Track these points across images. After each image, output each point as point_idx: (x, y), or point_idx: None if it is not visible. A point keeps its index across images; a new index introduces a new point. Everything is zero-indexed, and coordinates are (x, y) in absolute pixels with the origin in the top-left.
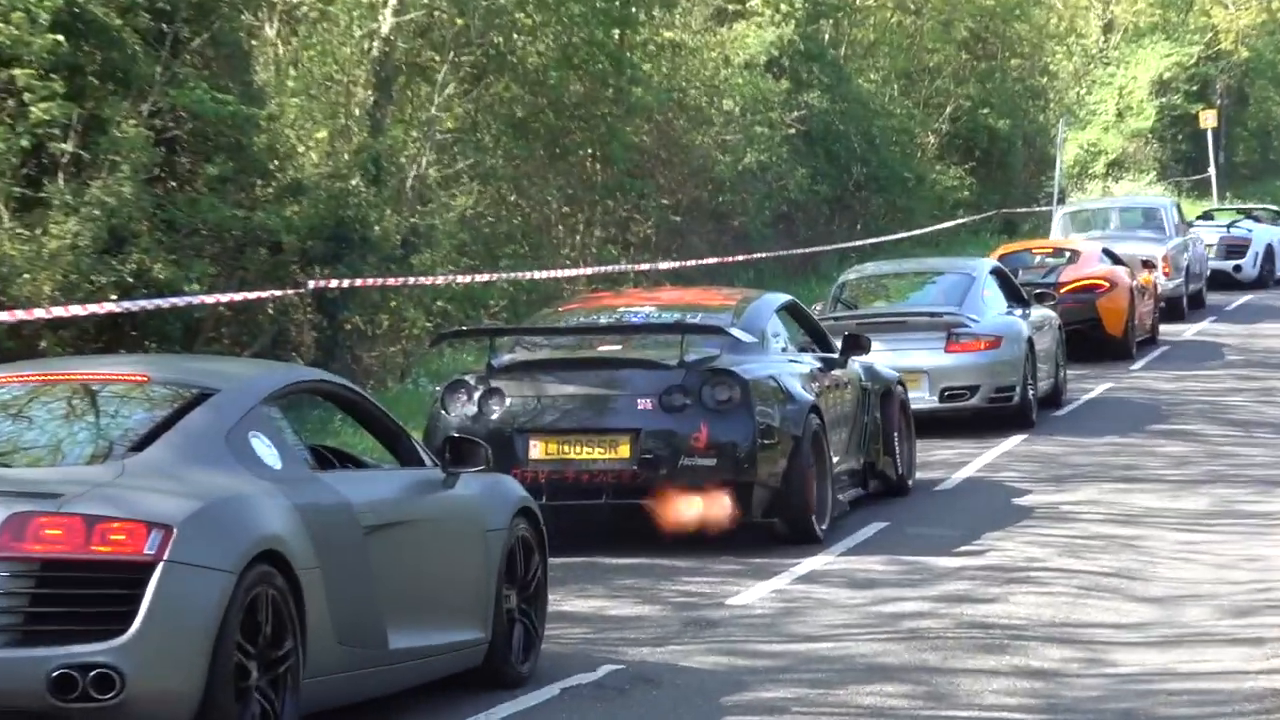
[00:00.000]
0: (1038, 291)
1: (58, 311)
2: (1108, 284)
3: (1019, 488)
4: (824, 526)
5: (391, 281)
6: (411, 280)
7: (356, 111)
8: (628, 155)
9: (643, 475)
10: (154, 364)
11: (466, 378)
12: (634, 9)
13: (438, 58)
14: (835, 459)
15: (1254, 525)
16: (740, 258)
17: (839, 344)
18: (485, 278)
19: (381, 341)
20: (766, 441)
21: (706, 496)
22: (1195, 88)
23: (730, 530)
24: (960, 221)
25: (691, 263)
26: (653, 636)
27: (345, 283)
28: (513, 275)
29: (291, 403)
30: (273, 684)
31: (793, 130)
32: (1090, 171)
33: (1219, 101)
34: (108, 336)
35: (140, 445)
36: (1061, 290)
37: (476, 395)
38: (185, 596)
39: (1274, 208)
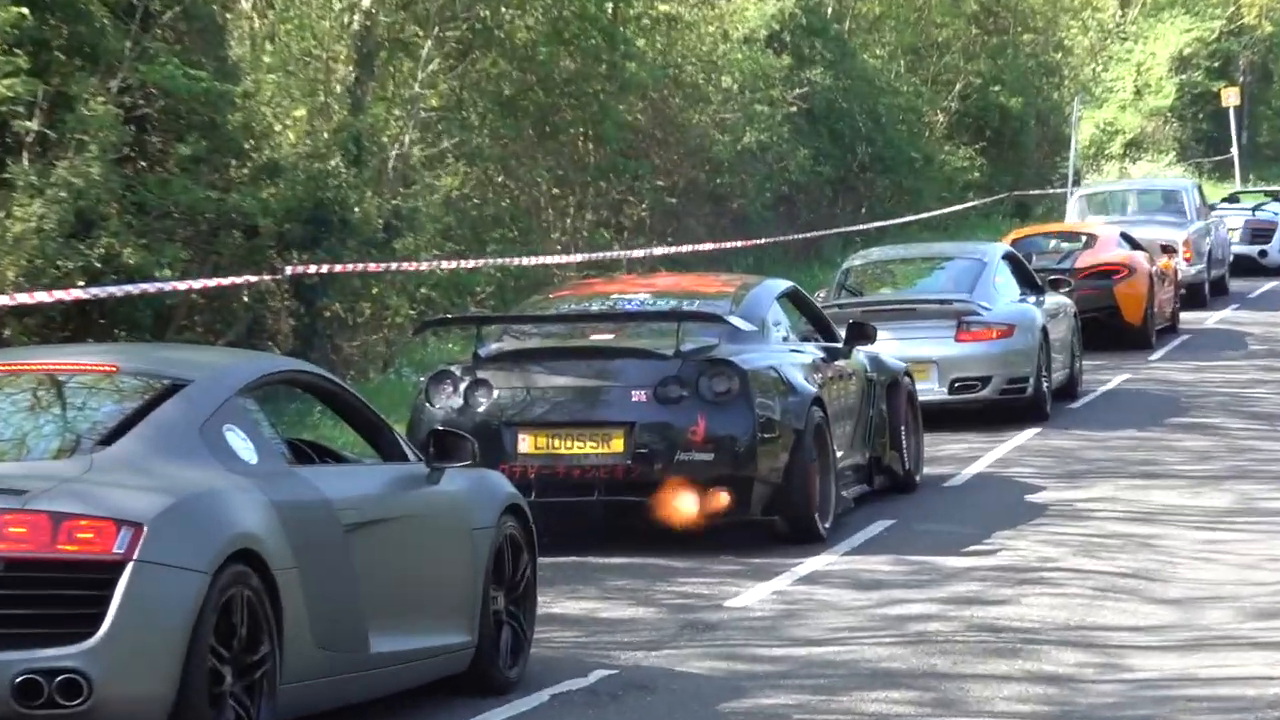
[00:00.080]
0: (1052, 278)
1: (22, 298)
2: (1126, 270)
3: (1032, 484)
4: (827, 525)
5: (373, 267)
6: (394, 266)
7: (336, 88)
8: (621, 135)
9: (637, 470)
10: (123, 353)
11: (452, 368)
12: None
13: (421, 32)
14: (839, 453)
15: (1278, 523)
16: (739, 242)
17: (843, 333)
18: (471, 263)
19: (362, 330)
20: (767, 435)
21: (704, 493)
22: (1217, 64)
23: (729, 528)
24: (970, 204)
25: (688, 247)
26: (647, 640)
27: (324, 268)
28: (500, 260)
29: (268, 394)
30: (248, 690)
31: (794, 108)
32: (1107, 152)
33: (1242, 79)
34: (75, 324)
35: (109, 439)
36: (1077, 276)
37: (462, 386)
38: (156, 598)
39: None
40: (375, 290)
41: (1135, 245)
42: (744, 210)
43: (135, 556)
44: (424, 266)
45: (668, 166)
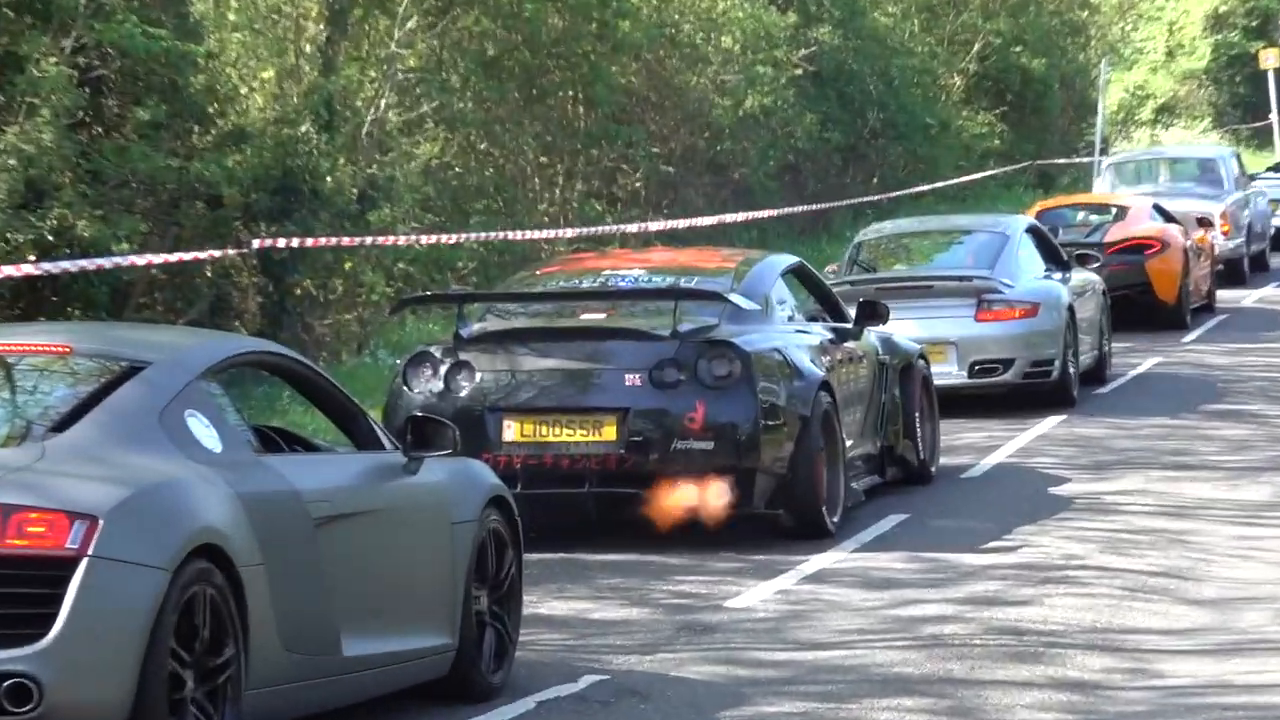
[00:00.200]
0: (1079, 253)
1: None
2: (1159, 244)
3: (1056, 475)
4: (835, 519)
5: (346, 241)
6: (369, 239)
7: (307, 48)
8: (613, 98)
9: (631, 460)
10: (78, 333)
11: (431, 350)
12: None
13: None
14: (849, 442)
15: None
16: (741, 215)
17: (853, 312)
18: (453, 237)
19: (335, 309)
20: (770, 422)
21: (703, 484)
22: (1255, 23)
23: (729, 523)
24: (990, 173)
25: (686, 221)
26: (641, 643)
27: (294, 242)
28: (484, 234)
29: (233, 377)
30: (210, 696)
31: (800, 70)
32: (1136, 118)
33: None
34: (25, 302)
35: (62, 425)
36: (1106, 251)
37: (443, 369)
38: (112, 596)
39: None
40: (349, 265)
41: (1169, 218)
42: (746, 180)
43: (89, 552)
44: (401, 240)
45: (664, 133)
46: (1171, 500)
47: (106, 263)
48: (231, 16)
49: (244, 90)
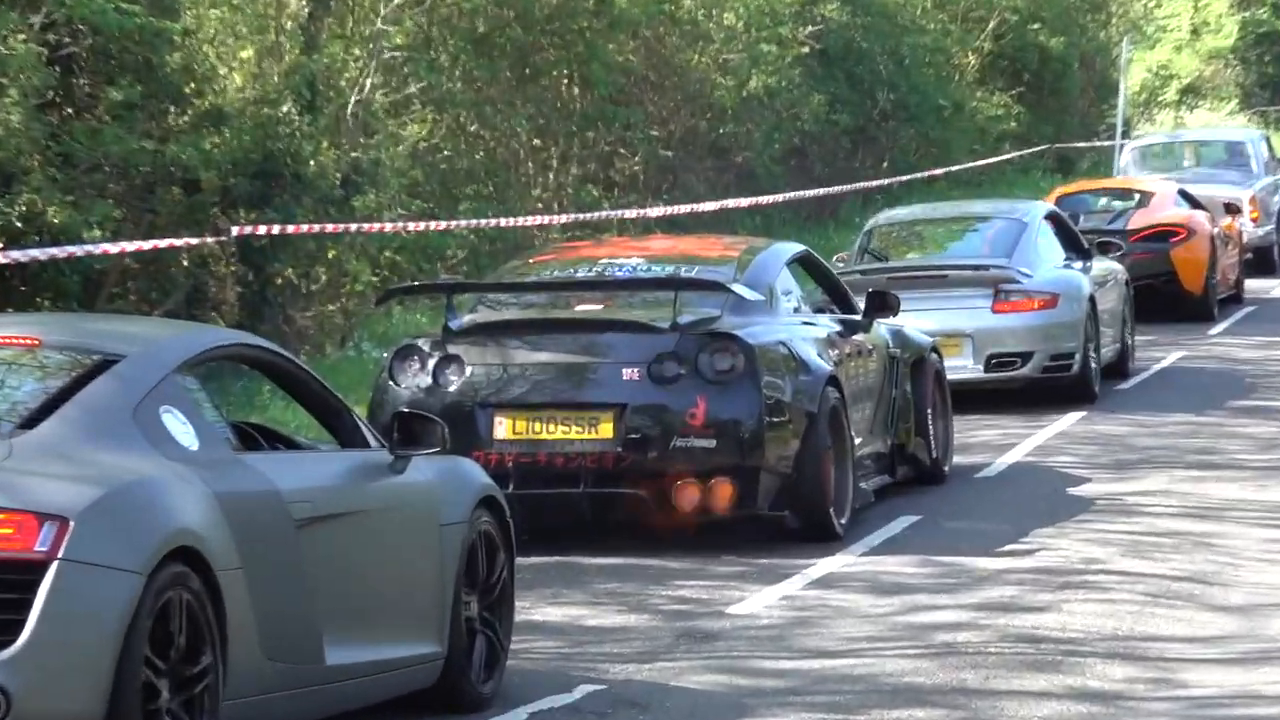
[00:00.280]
0: (1101, 240)
1: None
2: (1184, 231)
3: (1076, 475)
4: (843, 521)
5: (330, 227)
6: (354, 226)
7: (288, 25)
8: (610, 78)
9: (628, 459)
10: (48, 325)
11: (419, 342)
12: None
13: None
14: (857, 440)
15: None
16: (745, 201)
17: (862, 303)
18: (442, 224)
19: (318, 299)
20: (775, 419)
21: (704, 484)
22: None
23: (732, 525)
24: (1006, 157)
25: (686, 207)
26: (639, 651)
27: (275, 229)
28: (474, 221)
29: (211, 371)
30: (187, 706)
31: (806, 49)
32: (1160, 99)
33: None
34: None
35: (30, 421)
36: (1130, 239)
37: (430, 363)
38: (84, 601)
39: None
40: (332, 254)
41: (1195, 204)
42: (750, 164)
43: (60, 555)
44: (388, 227)
45: (663, 115)
46: (1197, 501)
47: (78, 250)
48: None
49: (222, 69)
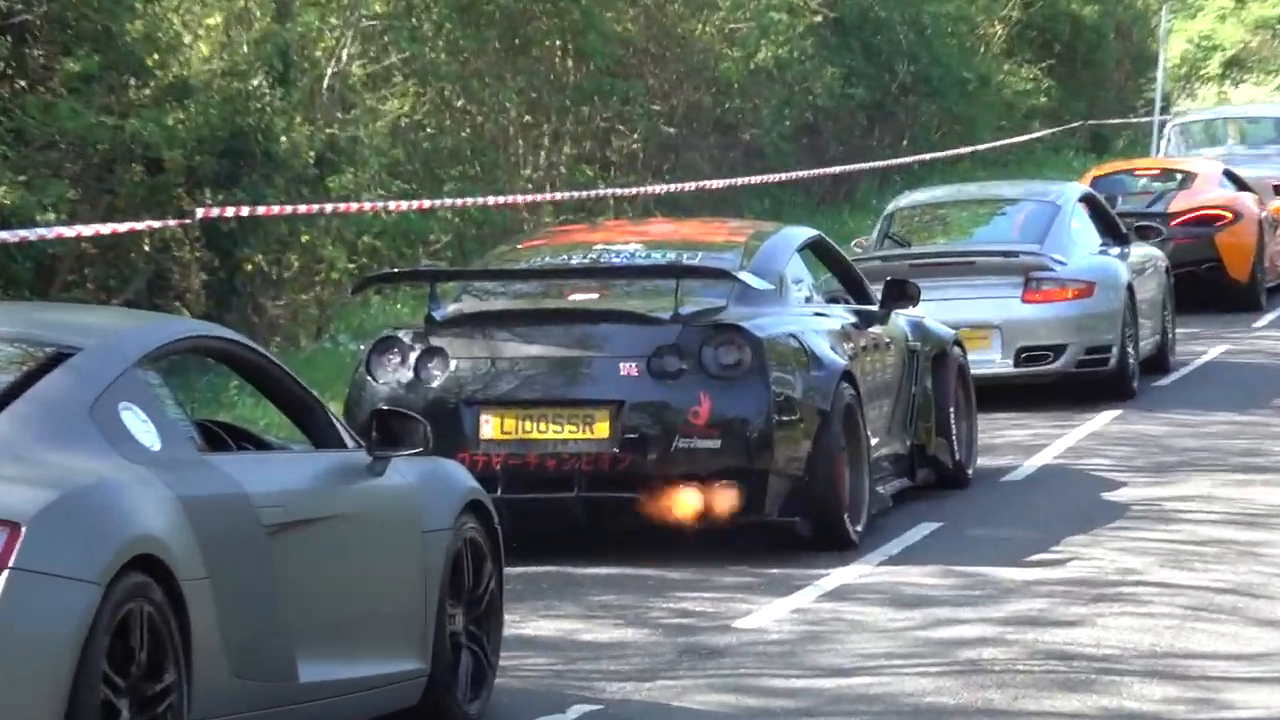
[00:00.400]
0: (1140, 224)
1: None
2: (1230, 215)
3: (1110, 478)
4: (859, 527)
5: (303, 209)
6: (329, 208)
7: None
8: (607, 49)
9: (626, 461)
10: None
11: (400, 334)
12: None
13: None
14: (874, 441)
15: None
16: (753, 179)
17: (879, 293)
18: (425, 203)
19: (290, 287)
20: (785, 418)
21: (708, 488)
22: None
23: (738, 532)
24: (1035, 135)
25: (690, 186)
26: (638, 669)
27: (244, 211)
28: (459, 201)
29: (174, 365)
30: None
31: (820, 18)
32: (1202, 72)
33: None
34: None
35: None
36: (1171, 223)
37: (412, 357)
38: (36, 614)
39: None
40: (306, 238)
41: (1241, 185)
42: (758, 142)
43: (10, 564)
44: (366, 208)
45: (665, 88)
46: (1241, 507)
47: (30, 235)
48: None
49: (187, 38)
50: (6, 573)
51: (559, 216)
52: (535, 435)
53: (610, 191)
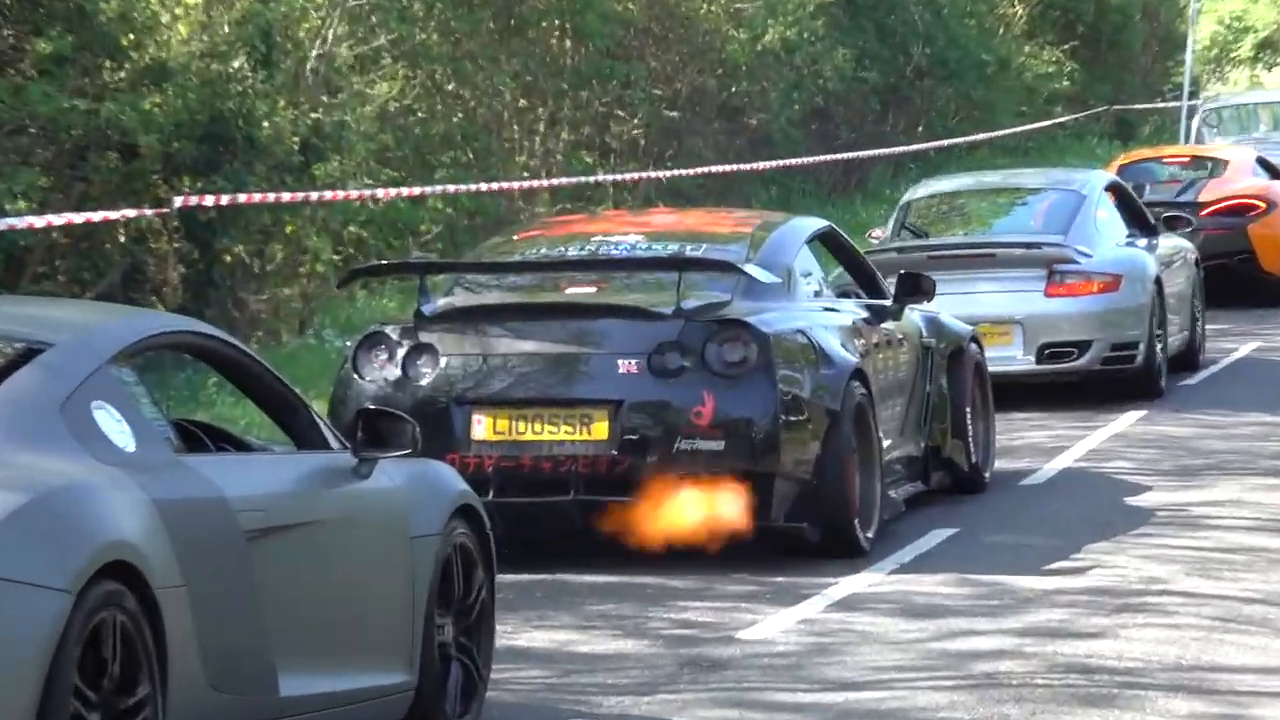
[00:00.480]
0: (1169, 215)
1: None
2: (1263, 204)
3: (1135, 483)
4: (870, 534)
5: (287, 198)
6: (314, 196)
7: None
8: (607, 29)
9: (625, 463)
10: None
11: (387, 330)
12: None
13: None
14: (886, 443)
15: None
16: (760, 166)
17: (892, 287)
18: (414, 192)
19: (273, 280)
20: (792, 418)
21: (711, 492)
22: None
23: (743, 538)
24: (1058, 121)
25: (694, 170)
26: (637, 682)
27: (224, 200)
28: (451, 188)
29: (150, 362)
30: None
31: None
32: (1233, 55)
33: None
34: None
35: None
36: (1201, 213)
37: (400, 353)
38: (4, 623)
39: None
40: (289, 229)
41: (1275, 173)
42: (765, 127)
43: None
44: (353, 196)
45: (667, 71)
46: (1272, 513)
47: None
48: None
49: (165, 18)
50: None
51: (555, 206)
52: (529, 436)
53: (610, 179)
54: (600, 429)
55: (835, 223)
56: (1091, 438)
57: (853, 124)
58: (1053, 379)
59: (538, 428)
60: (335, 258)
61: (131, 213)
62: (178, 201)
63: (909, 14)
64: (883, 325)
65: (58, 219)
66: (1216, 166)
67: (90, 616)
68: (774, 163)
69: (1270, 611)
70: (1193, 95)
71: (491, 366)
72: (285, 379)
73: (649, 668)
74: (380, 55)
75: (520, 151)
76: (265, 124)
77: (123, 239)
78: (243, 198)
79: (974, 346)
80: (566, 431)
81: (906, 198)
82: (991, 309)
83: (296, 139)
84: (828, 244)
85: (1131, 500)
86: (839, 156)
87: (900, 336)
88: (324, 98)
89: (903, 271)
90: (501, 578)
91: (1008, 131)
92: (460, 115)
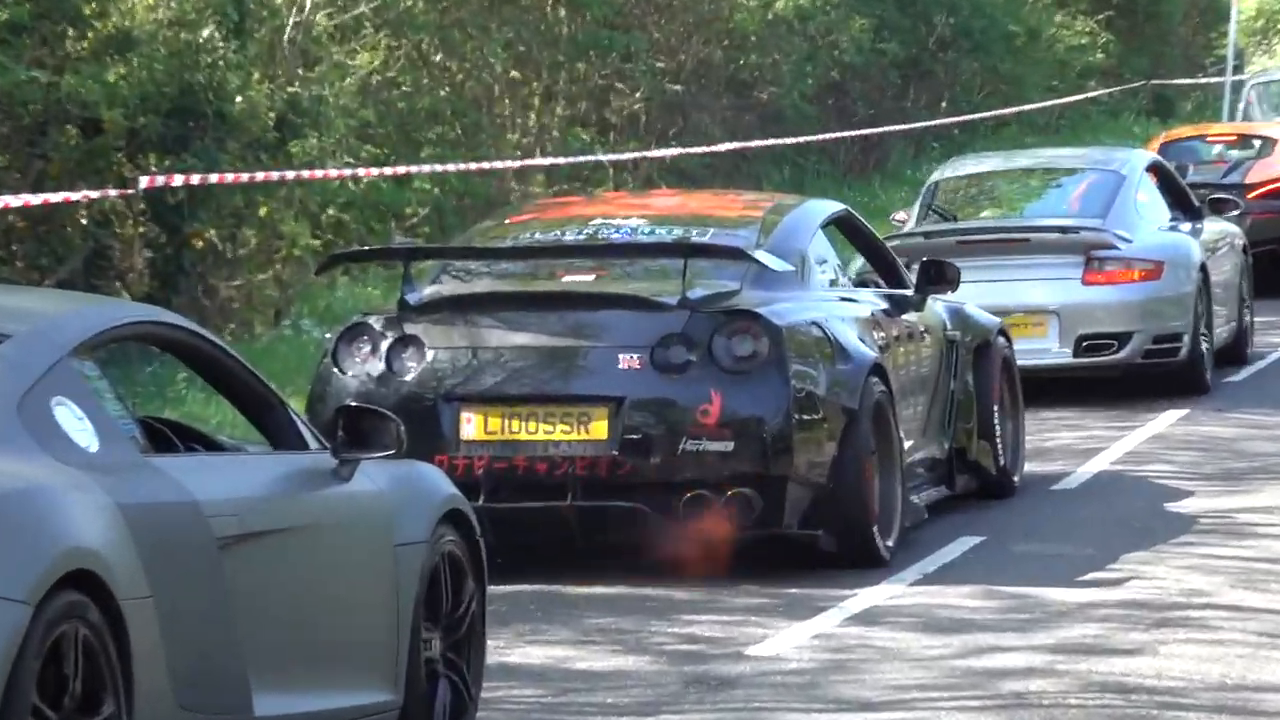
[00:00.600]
0: (1214, 197)
1: None
2: None
3: (1175, 487)
4: (890, 542)
5: (261, 178)
6: (290, 176)
7: None
8: None
9: (626, 465)
10: None
11: (370, 320)
12: None
13: None
14: (907, 444)
15: None
16: (771, 143)
17: (914, 275)
18: (398, 171)
19: (246, 266)
20: (806, 417)
21: (719, 497)
22: None
23: (753, 546)
24: (1091, 95)
25: (700, 150)
26: (639, 701)
27: (194, 179)
28: (438, 168)
29: (114, 355)
30: None
31: None
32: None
33: None
34: None
35: None
36: (1249, 195)
37: (384, 346)
38: None
39: None
40: (264, 211)
41: None
42: (776, 103)
43: None
44: (332, 176)
45: (671, 42)
46: None
47: None
48: None
49: None
50: None
51: (551, 187)
52: (523, 436)
53: (609, 158)
54: (599, 428)
55: (852, 205)
56: (1129, 438)
57: (871, 99)
58: (1090, 373)
59: (532, 427)
60: (314, 242)
61: (94, 194)
62: (144, 181)
63: None
64: (904, 317)
65: (14, 200)
66: (1265, 146)
67: (50, 630)
68: (786, 140)
69: None
70: (1236, 69)
71: (482, 360)
72: (260, 373)
73: (652, 686)
74: (361, 24)
75: (513, 128)
76: (238, 98)
77: (85, 222)
78: (214, 177)
79: (1001, 340)
80: (563, 431)
81: (934, 178)
82: (1025, 298)
83: (272, 114)
84: (844, 228)
85: (1172, 506)
86: (856, 134)
87: (923, 329)
88: (301, 70)
89: (925, 259)
90: (493, 589)
91: (1037, 106)
92: (448, 88)
